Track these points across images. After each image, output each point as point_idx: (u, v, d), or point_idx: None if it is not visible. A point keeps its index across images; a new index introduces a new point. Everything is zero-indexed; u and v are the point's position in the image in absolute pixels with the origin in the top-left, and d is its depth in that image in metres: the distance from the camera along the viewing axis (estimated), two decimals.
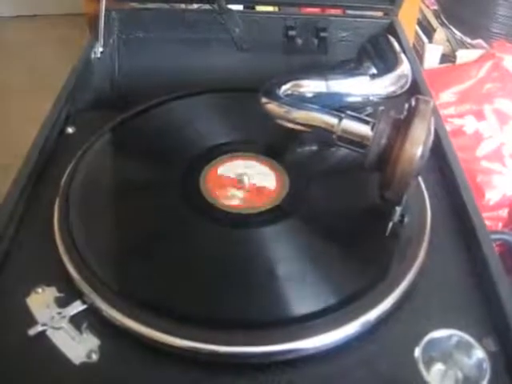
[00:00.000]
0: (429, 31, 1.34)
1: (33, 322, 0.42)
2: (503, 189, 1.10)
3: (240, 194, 0.52)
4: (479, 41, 1.32)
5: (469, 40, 1.33)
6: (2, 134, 1.49)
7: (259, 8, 0.92)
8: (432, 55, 1.27)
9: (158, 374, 0.40)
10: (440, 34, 1.33)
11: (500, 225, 1.11)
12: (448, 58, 1.30)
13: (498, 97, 1.19)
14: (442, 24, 1.37)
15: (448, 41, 1.33)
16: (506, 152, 1.14)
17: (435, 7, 1.43)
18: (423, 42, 1.29)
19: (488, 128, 1.17)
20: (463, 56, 1.28)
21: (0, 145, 1.46)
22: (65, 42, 1.81)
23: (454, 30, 1.35)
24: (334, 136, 0.50)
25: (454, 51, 1.30)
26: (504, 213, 1.11)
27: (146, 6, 0.79)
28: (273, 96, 0.54)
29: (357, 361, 0.41)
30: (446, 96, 1.19)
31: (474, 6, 1.34)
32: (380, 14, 0.80)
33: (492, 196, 1.10)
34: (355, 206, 0.52)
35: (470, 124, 1.18)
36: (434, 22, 1.37)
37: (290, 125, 0.52)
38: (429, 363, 0.41)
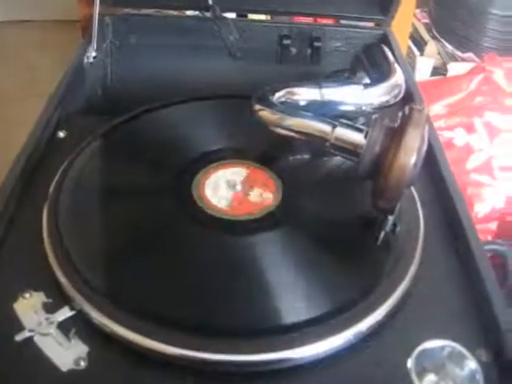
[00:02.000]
0: (420, 44, 1.35)
1: (20, 327, 0.41)
2: (492, 201, 1.10)
3: (232, 200, 0.52)
4: (470, 54, 1.33)
5: (460, 53, 1.34)
6: None
7: (252, 16, 0.92)
8: (423, 68, 1.28)
9: (147, 381, 0.40)
10: (431, 46, 1.34)
11: (489, 237, 1.11)
12: (439, 70, 1.31)
13: (488, 110, 1.19)
14: (434, 37, 1.38)
15: (439, 54, 1.34)
16: (495, 165, 1.15)
17: (426, 20, 1.44)
18: (414, 55, 1.30)
19: (478, 141, 1.18)
20: (454, 69, 1.28)
21: None
22: (56, 48, 1.81)
23: (445, 43, 1.36)
24: (328, 144, 0.50)
25: (445, 64, 1.31)
26: (493, 225, 1.11)
27: (140, 12, 0.79)
28: (266, 103, 0.53)
29: (348, 371, 0.41)
30: (437, 108, 1.20)
31: (465, 20, 1.36)
32: (373, 24, 0.81)
33: (481, 209, 1.10)
34: (348, 214, 0.52)
35: (460, 137, 1.18)
36: (426, 35, 1.38)
37: (283, 132, 0.52)
38: (421, 374, 0.41)
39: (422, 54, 1.32)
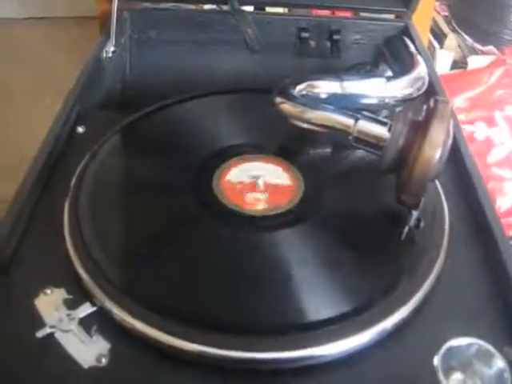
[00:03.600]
0: (440, 37, 1.34)
1: (41, 324, 0.41)
2: None
3: (254, 195, 0.51)
4: (490, 47, 1.31)
5: (480, 46, 1.32)
6: (9, 135, 1.49)
7: (269, 9, 0.91)
8: (443, 61, 1.27)
9: (169, 378, 0.39)
10: (451, 39, 1.32)
11: (511, 232, 1.10)
12: (459, 64, 1.29)
13: (508, 103, 1.18)
14: (453, 30, 1.36)
15: (459, 47, 1.32)
16: None
17: (446, 13, 1.42)
18: (434, 48, 1.28)
19: (499, 134, 1.16)
20: (474, 62, 1.27)
21: (6, 146, 1.45)
22: (74, 44, 1.81)
23: (465, 36, 1.34)
24: (350, 137, 0.49)
25: (465, 57, 1.29)
26: None
27: (158, 6, 0.79)
28: (287, 96, 0.53)
29: (374, 369, 0.40)
30: (457, 102, 1.18)
31: (486, 13, 1.34)
32: (394, 17, 0.79)
33: (503, 203, 1.09)
34: (372, 209, 0.51)
35: (480, 130, 1.17)
36: (445, 28, 1.36)
37: (305, 125, 0.51)
38: (448, 372, 0.40)
39: (441, 47, 1.31)
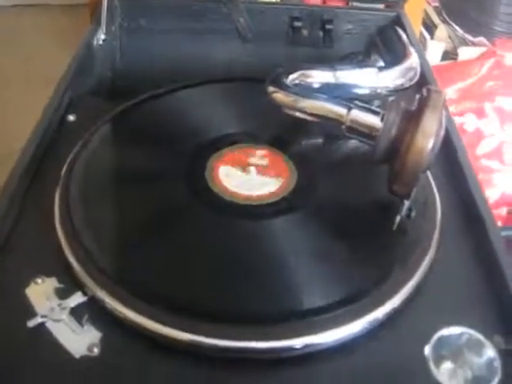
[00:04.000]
0: (430, 28, 1.34)
1: (32, 313, 0.41)
2: (502, 187, 1.10)
3: (246, 185, 0.51)
4: (481, 38, 1.31)
5: (470, 37, 1.33)
6: None
7: None
8: (434, 52, 1.27)
9: (160, 367, 0.39)
10: (442, 30, 1.32)
11: (499, 223, 1.11)
12: (450, 55, 1.30)
13: (499, 95, 1.18)
14: (444, 21, 1.36)
15: (450, 38, 1.33)
16: (506, 150, 1.14)
17: (436, 4, 1.42)
18: (425, 39, 1.28)
19: (489, 126, 1.17)
20: (465, 53, 1.27)
21: None
22: (63, 32, 1.80)
23: (455, 26, 1.35)
24: (343, 126, 0.49)
25: (455, 48, 1.30)
26: (503, 211, 1.11)
27: None
28: (280, 85, 0.52)
29: (365, 358, 0.40)
30: (448, 93, 1.19)
31: (476, 3, 1.34)
32: (385, 6, 0.79)
33: (491, 194, 1.10)
34: (364, 199, 0.51)
35: (470, 122, 1.18)
36: (436, 19, 1.36)
37: (298, 114, 0.51)
38: (438, 361, 0.40)
39: (432, 38, 1.31)
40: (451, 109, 1.17)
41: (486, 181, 1.11)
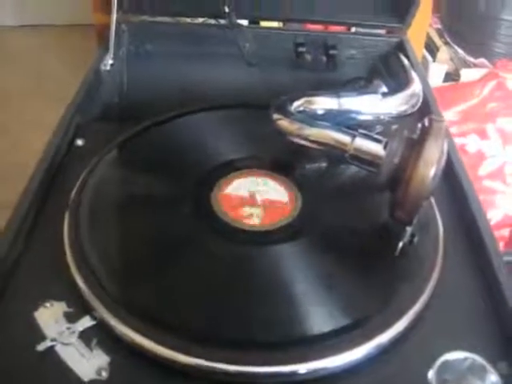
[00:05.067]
0: (432, 50, 1.35)
1: (41, 337, 0.42)
2: (505, 208, 1.10)
3: (252, 210, 0.52)
4: (482, 60, 1.33)
5: (472, 59, 1.34)
6: (2, 142, 1.49)
7: (264, 23, 0.92)
8: (436, 74, 1.28)
9: None
10: (444, 52, 1.34)
11: (501, 244, 1.11)
12: (451, 76, 1.31)
13: (501, 116, 1.19)
14: (446, 43, 1.38)
15: (451, 59, 1.34)
16: (508, 171, 1.14)
17: (438, 26, 1.44)
18: (427, 61, 1.29)
19: (491, 147, 1.18)
20: (467, 75, 1.28)
21: (0, 152, 1.46)
22: (68, 51, 1.82)
23: (457, 48, 1.36)
24: (347, 154, 0.50)
25: (457, 70, 1.31)
26: (506, 232, 1.11)
27: (156, 20, 0.79)
28: (284, 112, 0.53)
29: (369, 382, 0.41)
30: (450, 115, 1.20)
31: (477, 26, 1.36)
32: (388, 32, 0.80)
33: (494, 215, 1.10)
34: (368, 224, 0.52)
35: (472, 143, 1.18)
36: (438, 41, 1.37)
37: (302, 142, 0.52)
38: None
39: (434, 60, 1.32)
40: (453, 130, 1.18)
41: (488, 202, 1.11)
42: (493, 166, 1.16)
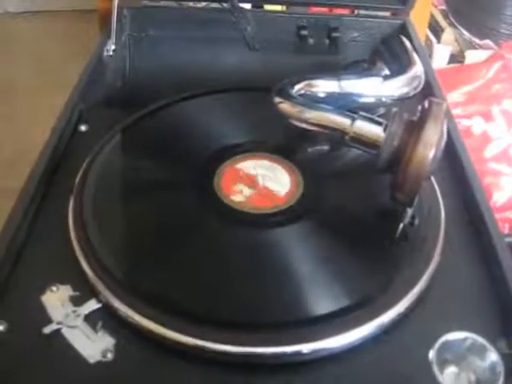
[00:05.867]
0: (437, 31, 1.34)
1: (48, 320, 0.42)
2: (510, 190, 1.10)
3: (253, 194, 0.52)
4: (487, 41, 1.31)
5: (477, 40, 1.33)
6: (8, 129, 1.50)
7: (268, 7, 0.91)
8: (441, 55, 1.27)
9: (173, 373, 0.40)
10: (448, 34, 1.33)
11: (507, 226, 1.11)
12: (456, 58, 1.30)
13: (506, 97, 1.19)
14: (451, 24, 1.36)
15: (456, 41, 1.33)
16: None
17: (443, 7, 1.43)
18: (431, 42, 1.28)
19: (496, 129, 1.17)
20: (472, 56, 1.27)
21: (6, 140, 1.46)
22: (70, 37, 1.82)
23: (462, 30, 1.35)
24: (347, 137, 0.50)
25: (462, 51, 1.30)
26: (511, 214, 1.11)
27: (158, 4, 0.79)
28: (286, 95, 0.54)
29: (371, 362, 0.41)
30: (455, 96, 1.19)
31: (482, 6, 1.34)
32: (391, 14, 0.80)
33: (499, 198, 1.10)
34: (370, 207, 0.52)
35: (477, 125, 1.18)
36: (443, 22, 1.36)
37: (303, 125, 0.52)
38: (442, 365, 0.41)
39: (438, 42, 1.31)
40: (459, 111, 1.18)
41: (493, 184, 1.11)
42: (498, 149, 1.15)
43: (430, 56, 1.27)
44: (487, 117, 1.18)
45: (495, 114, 1.19)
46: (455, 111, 1.16)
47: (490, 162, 1.14)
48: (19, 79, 1.70)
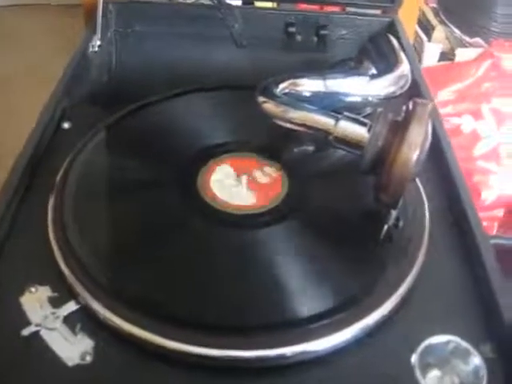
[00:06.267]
0: (428, 29, 1.34)
1: (26, 321, 0.42)
2: (499, 189, 1.10)
3: (237, 194, 0.52)
4: (477, 39, 1.31)
5: (467, 38, 1.33)
6: None
7: (258, 4, 0.91)
8: (431, 53, 1.27)
9: (155, 378, 0.40)
10: (439, 32, 1.32)
11: (495, 224, 1.11)
12: (447, 56, 1.30)
13: (495, 96, 1.19)
14: (441, 22, 1.36)
15: (447, 39, 1.33)
16: (502, 152, 1.14)
17: (434, 5, 1.42)
18: (422, 40, 1.28)
19: (485, 127, 1.17)
20: (462, 54, 1.27)
21: None
22: (56, 32, 1.80)
23: (452, 27, 1.35)
24: (331, 137, 0.49)
25: (452, 49, 1.30)
26: (500, 213, 1.11)
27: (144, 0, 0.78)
28: (270, 95, 0.53)
29: (354, 365, 0.41)
30: (445, 94, 1.19)
31: (473, 4, 1.34)
32: (380, 12, 0.80)
33: (488, 196, 1.10)
34: (355, 208, 0.52)
35: (467, 123, 1.18)
36: (433, 20, 1.36)
37: (288, 125, 0.52)
38: (425, 369, 0.41)
39: (429, 39, 1.31)
40: (449, 110, 1.18)
41: (482, 182, 1.11)
42: (487, 147, 1.15)
43: (421, 54, 1.26)
44: (477, 115, 1.18)
45: (485, 112, 1.19)
46: (445, 109, 1.16)
47: (479, 161, 1.14)
48: (6, 72, 1.69)
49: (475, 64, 1.22)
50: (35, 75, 1.58)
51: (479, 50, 1.27)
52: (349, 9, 0.81)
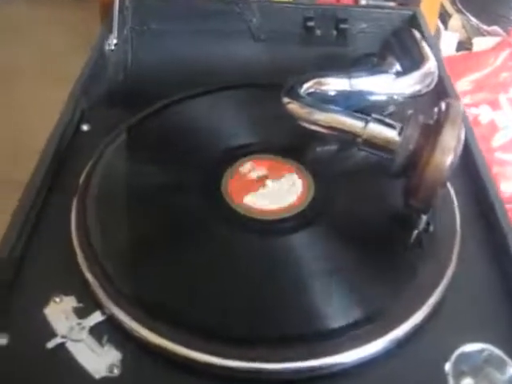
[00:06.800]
0: (444, 17, 1.32)
1: (52, 333, 0.41)
2: None
3: (263, 197, 0.51)
4: (495, 27, 1.29)
5: (485, 27, 1.30)
6: (9, 121, 1.47)
7: None
8: (448, 43, 1.25)
9: None
10: (456, 20, 1.30)
11: None
12: (464, 45, 1.28)
13: None
14: (458, 10, 1.34)
15: (464, 27, 1.31)
16: None
17: None
18: (439, 29, 1.26)
19: (503, 118, 1.16)
20: (480, 43, 1.25)
21: (7, 132, 1.44)
22: (74, 26, 1.79)
23: (469, 16, 1.32)
24: (359, 140, 0.48)
25: (469, 38, 1.28)
26: None
27: None
28: (294, 95, 0.52)
29: (386, 376, 0.40)
30: (462, 84, 1.18)
31: None
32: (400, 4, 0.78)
33: (507, 188, 1.08)
34: (383, 212, 0.51)
35: (485, 114, 1.16)
36: (450, 8, 1.34)
37: (313, 127, 0.50)
38: (459, 378, 0.40)
39: (446, 28, 1.29)
40: (466, 100, 1.16)
41: (501, 174, 1.10)
42: (505, 138, 1.14)
43: (438, 43, 1.24)
44: (494, 105, 1.16)
45: (502, 102, 1.17)
46: (463, 99, 1.15)
47: (498, 152, 1.13)
48: (19, 66, 1.68)
49: (493, 53, 1.20)
50: (45, 69, 1.57)
51: (497, 39, 1.25)
52: (369, 1, 0.79)
